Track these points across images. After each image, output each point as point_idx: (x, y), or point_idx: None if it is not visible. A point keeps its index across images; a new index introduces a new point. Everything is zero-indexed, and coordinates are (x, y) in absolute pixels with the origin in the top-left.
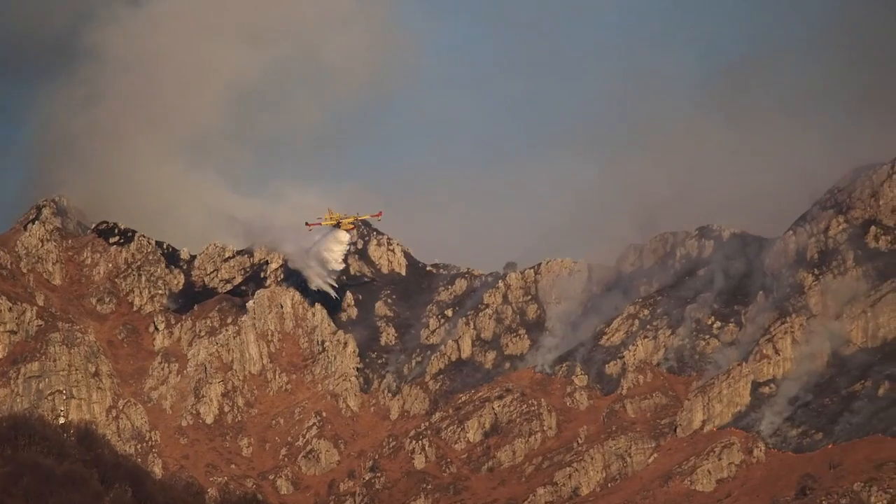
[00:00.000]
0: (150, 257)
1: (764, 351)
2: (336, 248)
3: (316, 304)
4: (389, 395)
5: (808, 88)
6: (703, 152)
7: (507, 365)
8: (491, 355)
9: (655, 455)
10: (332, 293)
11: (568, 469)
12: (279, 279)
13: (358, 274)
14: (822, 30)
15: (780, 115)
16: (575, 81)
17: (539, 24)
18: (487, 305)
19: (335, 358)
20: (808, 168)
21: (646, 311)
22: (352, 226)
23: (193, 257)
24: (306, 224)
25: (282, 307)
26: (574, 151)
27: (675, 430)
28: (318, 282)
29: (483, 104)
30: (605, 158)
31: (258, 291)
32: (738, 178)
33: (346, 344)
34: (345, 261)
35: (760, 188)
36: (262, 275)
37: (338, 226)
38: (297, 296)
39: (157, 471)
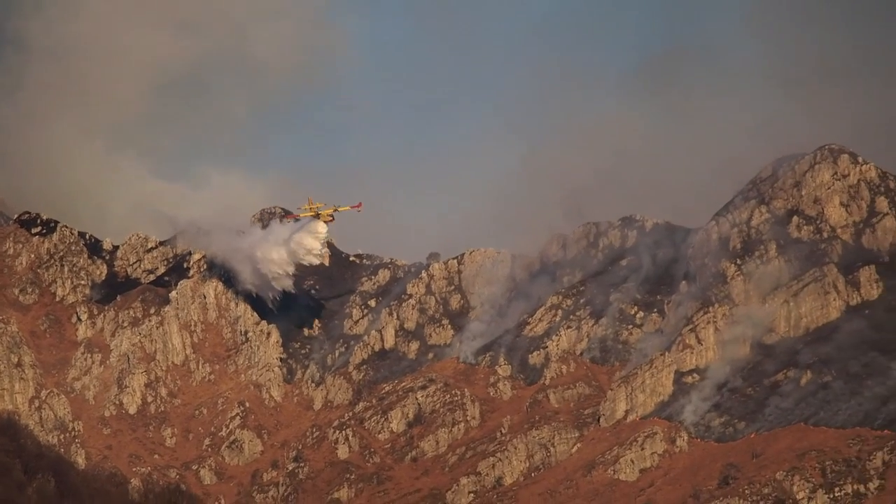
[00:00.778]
0: (73, 248)
1: (687, 340)
2: (306, 243)
3: (239, 294)
4: (313, 385)
5: (730, 79)
6: (627, 141)
7: (431, 355)
8: (414, 345)
9: (579, 445)
10: (262, 293)
11: (491, 459)
12: (202, 270)
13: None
14: (745, 20)
15: (703, 105)
16: (499, 72)
17: (464, 17)
18: (411, 296)
19: (258, 348)
20: (731, 157)
21: (569, 301)
22: (331, 217)
23: (116, 248)
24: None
25: (205, 298)
26: (498, 142)
27: (598, 420)
28: (247, 285)
29: (408, 96)
30: (530, 148)
31: (181, 282)
32: (662, 167)
33: (269, 334)
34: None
35: (684, 178)
36: (185, 265)
37: (317, 217)
38: (221, 286)
39: (81, 461)
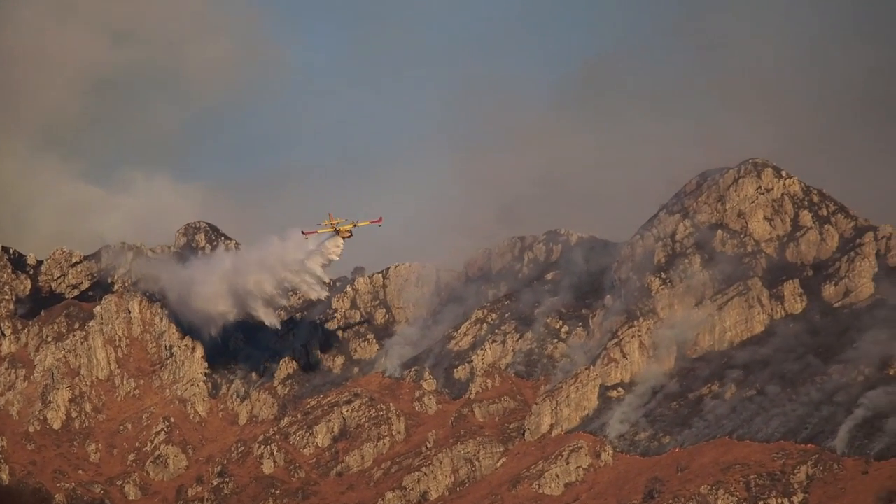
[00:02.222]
0: None
1: (612, 354)
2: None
3: (164, 308)
4: (238, 400)
5: (655, 93)
6: (557, 152)
7: (356, 370)
8: (339, 360)
9: (504, 459)
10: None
11: (416, 474)
12: (127, 285)
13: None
14: (672, 34)
15: (629, 118)
16: (432, 84)
17: (398, 28)
18: (336, 310)
19: (183, 363)
20: (656, 171)
21: (494, 315)
22: (349, 233)
23: (40, 262)
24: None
25: (129, 312)
26: (429, 154)
27: (523, 435)
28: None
29: (340, 110)
30: (460, 161)
31: (105, 297)
32: (590, 179)
33: (193, 349)
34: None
35: (611, 190)
36: (109, 280)
37: (336, 233)
38: (145, 301)
39: (5, 477)
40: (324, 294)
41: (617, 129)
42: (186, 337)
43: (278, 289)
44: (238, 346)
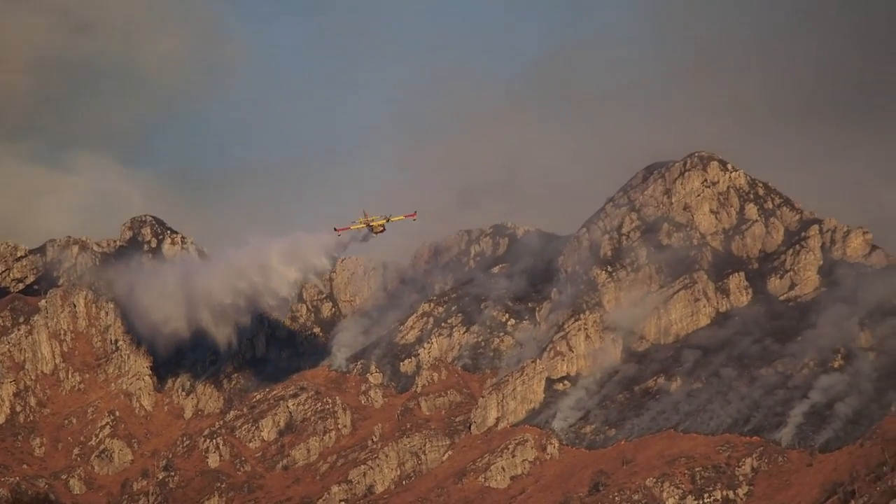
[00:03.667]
0: None
1: (558, 348)
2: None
3: (109, 302)
4: (183, 393)
5: (608, 87)
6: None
7: (302, 363)
8: (286, 353)
9: (450, 452)
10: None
11: (362, 467)
12: (72, 278)
13: (151, 272)
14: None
15: (581, 111)
16: (389, 78)
17: (353, 25)
18: (282, 302)
19: (128, 357)
20: (602, 165)
21: (440, 309)
22: (382, 228)
23: None
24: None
25: (74, 307)
26: (380, 148)
27: (469, 428)
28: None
29: (294, 104)
30: (411, 152)
31: (50, 290)
32: (538, 172)
33: (139, 342)
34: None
35: (558, 184)
36: (54, 274)
37: (370, 228)
38: (91, 294)
39: None
40: (292, 294)
41: (570, 122)
42: (132, 330)
43: (237, 299)
44: (184, 341)
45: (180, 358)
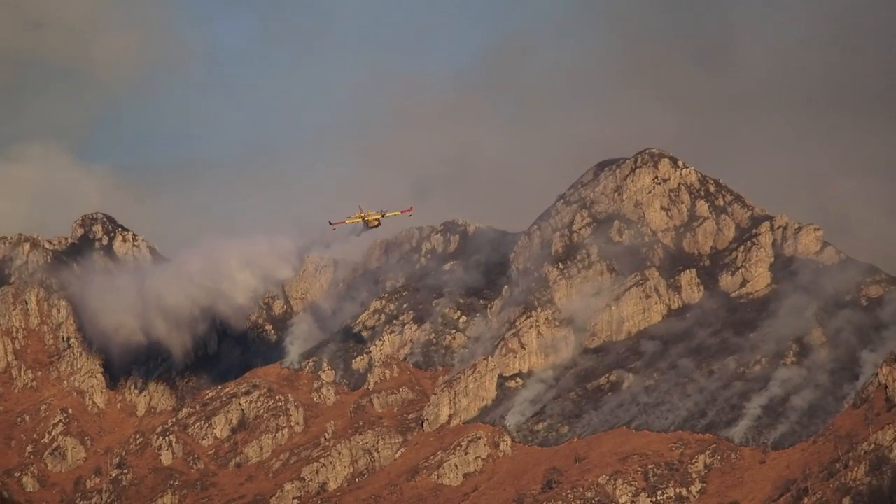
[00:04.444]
0: None
1: (510, 345)
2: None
3: (61, 300)
4: (136, 391)
5: (549, 84)
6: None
7: (254, 361)
8: (238, 351)
9: (403, 450)
10: None
11: (315, 464)
12: (24, 276)
13: (103, 270)
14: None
15: (525, 110)
16: (340, 75)
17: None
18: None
19: (81, 354)
20: (553, 161)
21: (392, 306)
22: (377, 223)
23: None
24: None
25: (26, 304)
26: (333, 144)
27: (422, 425)
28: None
29: (246, 102)
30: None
31: (2, 288)
32: (489, 169)
33: (91, 343)
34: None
35: (509, 179)
36: (6, 271)
37: (365, 223)
38: (42, 292)
39: None
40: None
41: (520, 116)
42: (83, 330)
43: (193, 308)
44: (139, 348)
45: (133, 361)
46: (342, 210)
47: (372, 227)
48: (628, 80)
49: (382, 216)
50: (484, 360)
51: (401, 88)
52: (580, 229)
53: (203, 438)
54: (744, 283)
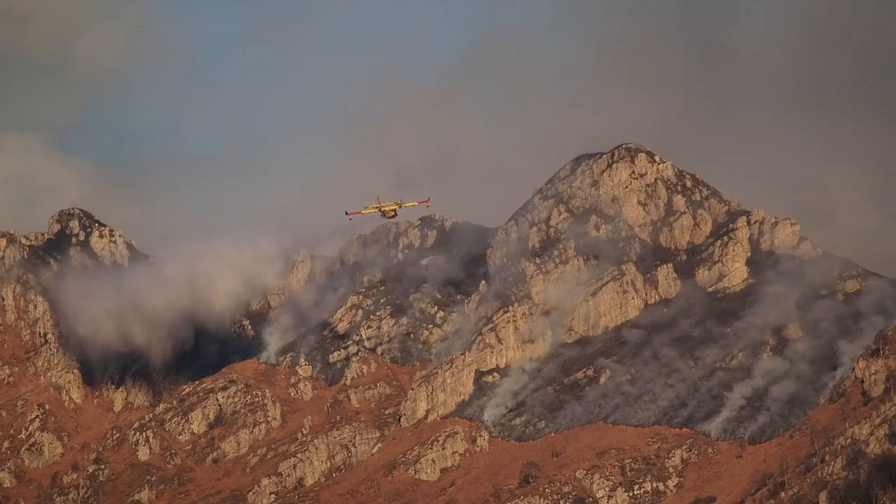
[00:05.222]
0: None
1: (487, 340)
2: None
3: (38, 296)
4: (113, 386)
5: (527, 79)
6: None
7: (231, 356)
8: (214, 346)
9: (380, 445)
10: None
11: (293, 460)
12: (1, 272)
13: (80, 266)
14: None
15: (503, 105)
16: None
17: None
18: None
19: (58, 350)
20: (529, 157)
21: (369, 301)
22: (394, 213)
23: None
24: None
25: (3, 299)
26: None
27: (399, 420)
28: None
29: (229, 96)
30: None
31: None
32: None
33: (69, 336)
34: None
35: (487, 173)
36: None
37: (382, 214)
38: (19, 288)
39: None
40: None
41: (499, 110)
42: (61, 323)
43: (174, 314)
44: (117, 352)
45: (110, 363)
46: (338, 206)
47: (389, 218)
48: (612, 74)
49: (399, 207)
50: (461, 354)
51: (384, 82)
52: (557, 224)
53: (180, 434)
54: (721, 277)
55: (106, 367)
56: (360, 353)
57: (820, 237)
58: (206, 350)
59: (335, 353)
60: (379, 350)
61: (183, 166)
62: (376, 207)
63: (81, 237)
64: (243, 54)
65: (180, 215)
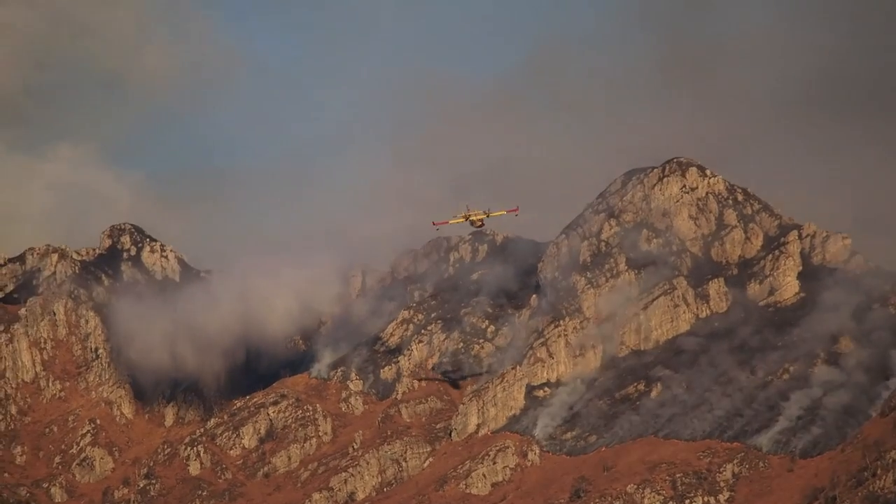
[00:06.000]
0: None
1: (538, 354)
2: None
3: (90, 311)
4: (164, 401)
5: (582, 91)
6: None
7: (283, 371)
8: (266, 361)
9: (431, 459)
10: None
11: (343, 474)
12: (52, 286)
13: (131, 281)
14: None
15: (557, 117)
16: (371, 87)
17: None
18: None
19: (109, 365)
20: (582, 171)
21: (420, 316)
22: (481, 223)
23: None
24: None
25: (55, 314)
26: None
27: (450, 435)
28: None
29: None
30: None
31: (30, 299)
32: (517, 177)
33: (120, 351)
34: None
35: (538, 188)
36: (34, 282)
37: (471, 223)
38: (70, 303)
39: None
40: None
41: (539, 132)
42: (112, 338)
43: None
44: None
45: (162, 384)
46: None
47: (477, 227)
48: (664, 86)
49: (487, 216)
50: (512, 369)
51: (438, 93)
52: (608, 238)
53: (231, 448)
54: (772, 291)
55: (157, 383)
56: (411, 368)
57: (878, 247)
58: (257, 365)
59: (386, 368)
60: (430, 364)
61: (236, 182)
62: (465, 217)
63: (133, 252)
64: (302, 68)
65: (233, 231)
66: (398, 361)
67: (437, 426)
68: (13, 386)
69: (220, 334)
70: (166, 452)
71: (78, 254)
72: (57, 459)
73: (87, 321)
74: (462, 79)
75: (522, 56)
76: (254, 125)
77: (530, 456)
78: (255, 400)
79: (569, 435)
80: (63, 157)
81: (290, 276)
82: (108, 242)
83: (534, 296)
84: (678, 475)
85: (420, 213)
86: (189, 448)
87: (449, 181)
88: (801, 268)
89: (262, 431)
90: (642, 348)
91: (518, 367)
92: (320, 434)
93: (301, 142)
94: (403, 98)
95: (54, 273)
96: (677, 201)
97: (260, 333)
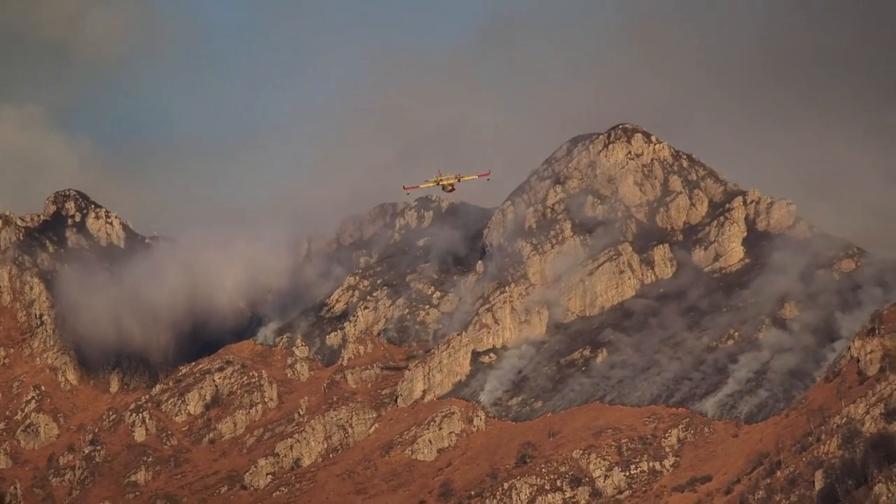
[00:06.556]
0: None
1: (484, 321)
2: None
3: (35, 278)
4: (109, 368)
5: (529, 60)
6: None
7: (230, 338)
8: (211, 327)
9: (377, 425)
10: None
11: (289, 440)
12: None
13: (76, 247)
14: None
15: (506, 86)
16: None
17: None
18: None
19: (54, 332)
20: (529, 138)
21: (366, 282)
22: (452, 187)
23: None
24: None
25: None
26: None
27: (396, 401)
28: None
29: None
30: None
31: None
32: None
33: (65, 318)
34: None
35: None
36: None
37: (443, 188)
38: (15, 269)
39: None
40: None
41: (509, 90)
42: (57, 305)
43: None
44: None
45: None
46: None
47: (448, 191)
48: (610, 53)
49: (458, 180)
50: (458, 335)
51: (390, 63)
52: (553, 204)
53: (176, 415)
54: (717, 257)
55: (103, 351)
56: (356, 334)
57: (823, 212)
58: (203, 332)
59: (332, 334)
60: (376, 331)
61: (184, 151)
62: (436, 181)
63: (77, 218)
64: (248, 37)
65: (180, 200)
66: (344, 328)
67: (383, 392)
68: None
69: (167, 305)
70: (111, 419)
71: (22, 220)
72: (1, 426)
73: (31, 288)
74: (414, 50)
75: (475, 27)
76: (203, 94)
77: (476, 422)
78: (201, 366)
79: (514, 401)
80: (6, 120)
81: (238, 248)
82: (52, 209)
83: (480, 262)
84: (624, 440)
85: (368, 179)
86: (134, 414)
87: (398, 148)
88: (745, 234)
89: (208, 398)
90: (588, 314)
91: (464, 333)
92: (266, 400)
93: (251, 111)
94: (356, 68)
95: None
96: (623, 167)
97: (207, 303)
